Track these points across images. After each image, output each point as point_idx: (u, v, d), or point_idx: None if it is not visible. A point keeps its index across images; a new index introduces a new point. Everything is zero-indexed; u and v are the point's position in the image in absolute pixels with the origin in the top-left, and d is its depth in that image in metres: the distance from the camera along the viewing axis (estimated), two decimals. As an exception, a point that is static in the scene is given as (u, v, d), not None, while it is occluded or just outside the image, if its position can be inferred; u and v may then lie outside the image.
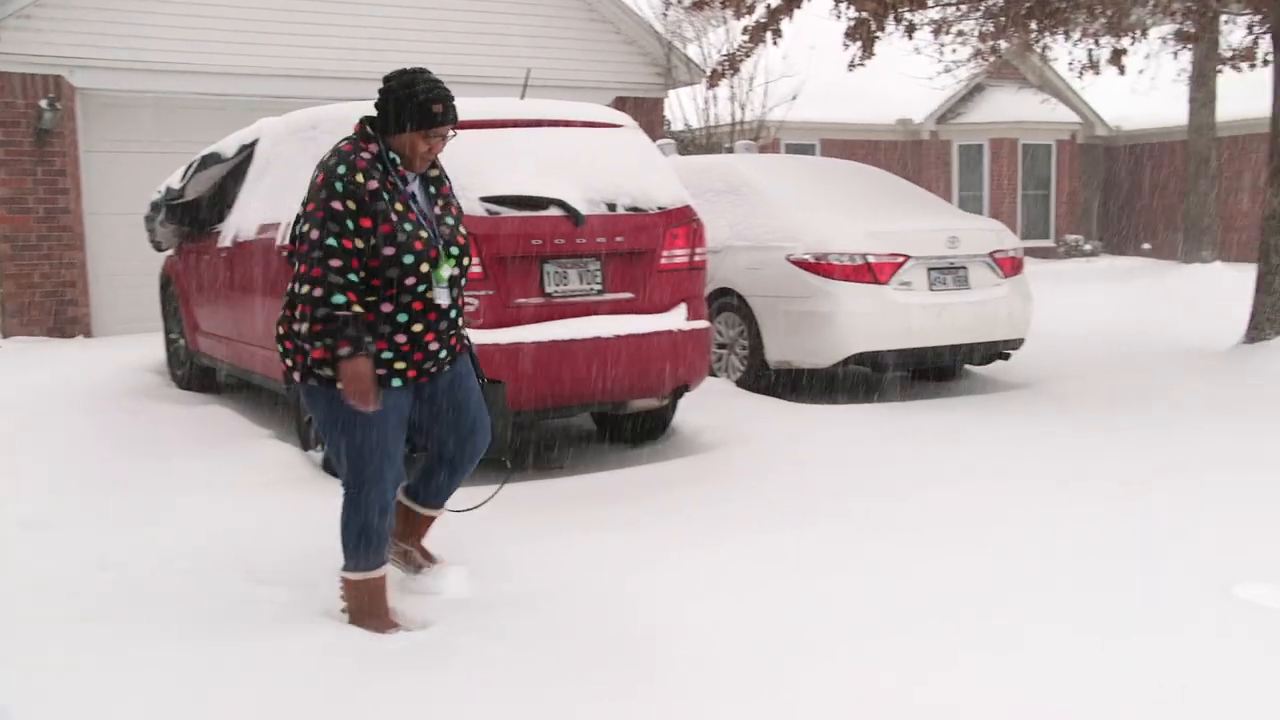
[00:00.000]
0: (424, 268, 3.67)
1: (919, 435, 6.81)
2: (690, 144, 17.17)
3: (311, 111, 7.02)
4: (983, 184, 23.66)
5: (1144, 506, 5.18)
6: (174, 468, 6.15)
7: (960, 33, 12.12)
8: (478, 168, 5.74)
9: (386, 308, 3.69)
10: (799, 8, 9.38)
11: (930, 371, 8.97)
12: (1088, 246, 23.53)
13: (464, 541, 4.55)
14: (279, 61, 12.75)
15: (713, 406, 7.30)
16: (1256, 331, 9.46)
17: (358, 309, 3.56)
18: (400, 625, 3.78)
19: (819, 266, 7.94)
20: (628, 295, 6.11)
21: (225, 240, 7.45)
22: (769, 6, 9.53)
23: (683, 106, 17.92)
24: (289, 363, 3.75)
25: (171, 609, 3.95)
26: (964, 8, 11.14)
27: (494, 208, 5.71)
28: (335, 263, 3.52)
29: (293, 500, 5.42)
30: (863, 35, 9.35)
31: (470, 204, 5.63)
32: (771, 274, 8.19)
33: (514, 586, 4.17)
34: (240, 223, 7.26)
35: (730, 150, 12.75)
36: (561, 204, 5.86)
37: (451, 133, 3.78)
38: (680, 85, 15.89)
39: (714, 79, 10.81)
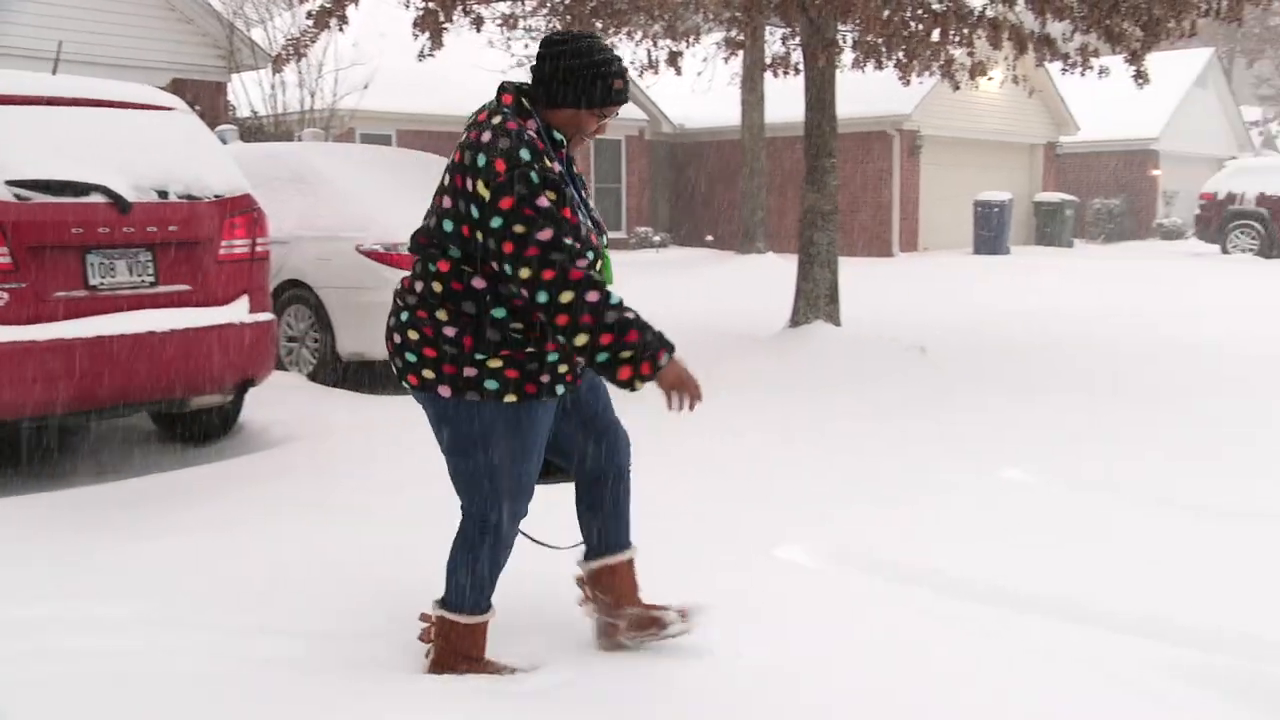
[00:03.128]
0: (599, 262, 3.20)
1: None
2: (259, 131, 16.48)
3: None
4: (558, 177, 24.31)
5: (705, 477, 5.52)
6: None
7: (529, 28, 12.39)
8: (4, 148, 5.26)
9: None
10: (365, -6, 9.26)
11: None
12: (657, 238, 24.77)
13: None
14: None
15: (283, 401, 7.07)
16: (799, 316, 10.32)
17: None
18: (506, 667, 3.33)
19: (389, 257, 7.87)
20: (184, 287, 5.81)
21: None
22: (333, -9, 9.32)
23: (248, 92, 17.14)
24: (426, 374, 3.14)
25: None
26: (531, 3, 11.38)
27: (25, 193, 5.23)
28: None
29: None
30: (430, 26, 9.32)
31: (-3, 189, 5.16)
32: (341, 265, 8.04)
33: (62, 605, 3.85)
34: None
35: (299, 139, 12.38)
36: (105, 190, 5.47)
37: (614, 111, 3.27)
38: (246, 69, 15.29)
39: (279, 63, 10.46)
